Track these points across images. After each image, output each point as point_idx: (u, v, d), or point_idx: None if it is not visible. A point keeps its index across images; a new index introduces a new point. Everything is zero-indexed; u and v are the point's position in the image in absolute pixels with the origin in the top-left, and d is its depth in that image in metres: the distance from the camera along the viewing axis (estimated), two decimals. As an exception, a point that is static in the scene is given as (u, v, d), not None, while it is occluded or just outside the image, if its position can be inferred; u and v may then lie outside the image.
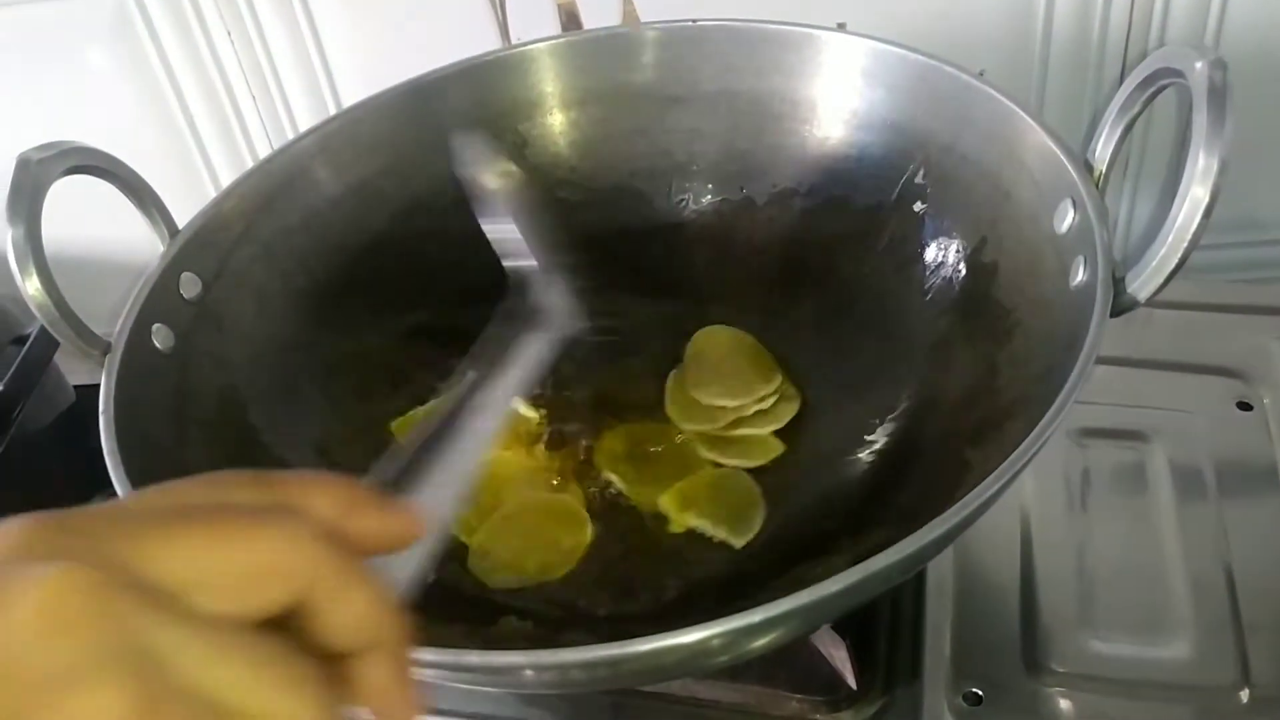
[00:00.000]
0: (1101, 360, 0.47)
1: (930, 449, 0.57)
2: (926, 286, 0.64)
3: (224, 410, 0.60)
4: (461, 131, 0.70)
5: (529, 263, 0.50)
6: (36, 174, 0.54)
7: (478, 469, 0.37)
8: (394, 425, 0.66)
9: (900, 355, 0.63)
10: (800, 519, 0.58)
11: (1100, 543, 0.61)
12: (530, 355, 0.45)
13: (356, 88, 0.84)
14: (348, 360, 0.67)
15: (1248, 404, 0.67)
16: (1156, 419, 0.67)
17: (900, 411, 0.61)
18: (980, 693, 0.56)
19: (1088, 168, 0.54)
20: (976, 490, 0.42)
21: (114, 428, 0.51)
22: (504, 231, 0.51)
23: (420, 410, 0.66)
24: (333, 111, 0.85)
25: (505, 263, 0.51)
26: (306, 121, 0.87)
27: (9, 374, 0.79)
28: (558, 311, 0.49)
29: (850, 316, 0.66)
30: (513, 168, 0.48)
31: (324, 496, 0.28)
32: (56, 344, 0.81)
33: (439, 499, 0.34)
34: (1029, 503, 0.64)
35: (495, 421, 0.40)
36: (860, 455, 0.61)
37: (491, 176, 0.49)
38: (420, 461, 0.35)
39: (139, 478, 0.50)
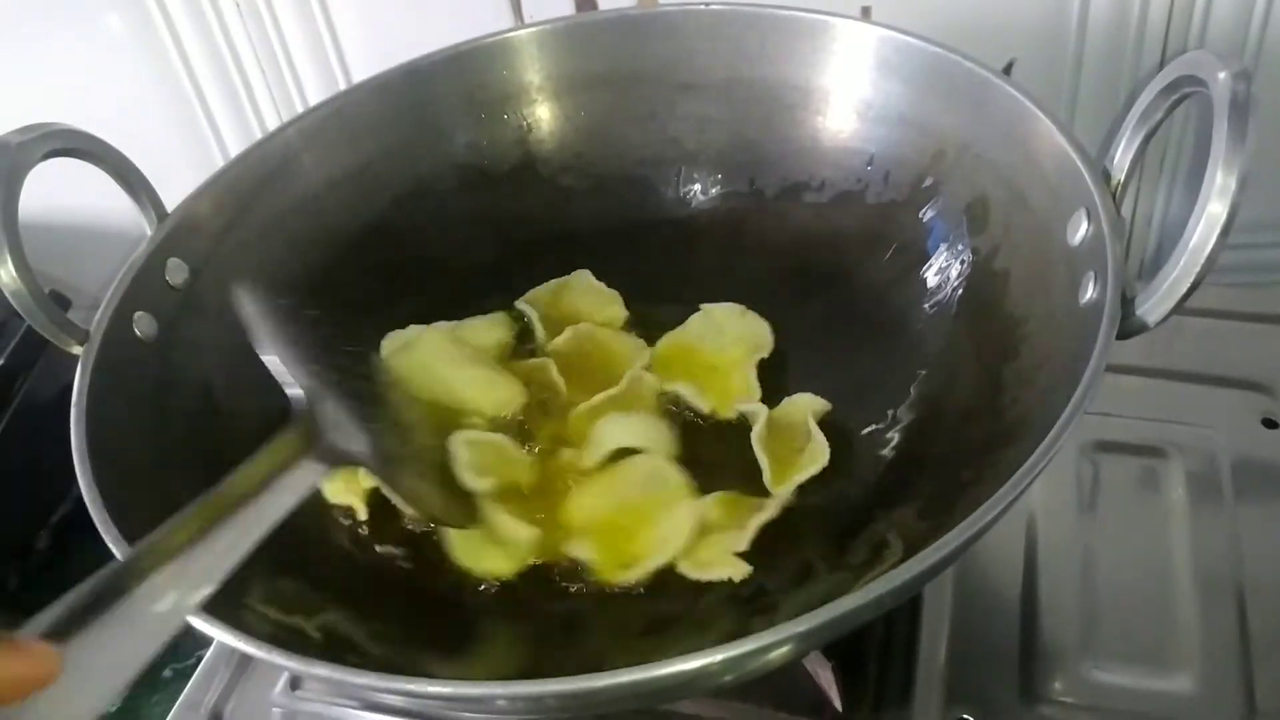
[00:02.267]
0: (1117, 369, 0.45)
1: (932, 465, 0.55)
2: (935, 291, 0.61)
3: (207, 401, 0.59)
4: (464, 114, 0.70)
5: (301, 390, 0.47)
6: (15, 158, 0.53)
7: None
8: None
9: (906, 363, 0.60)
10: (793, 535, 0.56)
11: (1108, 564, 0.59)
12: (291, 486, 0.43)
13: (367, 62, 0.82)
14: (340, 351, 0.65)
15: (1273, 421, 0.64)
16: (1175, 434, 0.65)
17: (904, 424, 0.58)
18: (972, 719, 0.54)
19: (1105, 176, 0.51)
20: (969, 520, 0.40)
21: (84, 424, 0.50)
22: (279, 362, 0.48)
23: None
24: (343, 86, 0.84)
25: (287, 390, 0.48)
26: (316, 95, 0.85)
27: (10, 348, 0.79)
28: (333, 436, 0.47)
29: (856, 320, 0.63)
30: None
31: None
32: (68, 303, 0.81)
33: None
34: (1037, 516, 0.61)
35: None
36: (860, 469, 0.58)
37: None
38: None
39: (112, 473, 0.49)
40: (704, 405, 0.61)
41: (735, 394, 0.61)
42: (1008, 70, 0.72)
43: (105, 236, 0.84)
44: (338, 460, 0.47)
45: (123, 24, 0.82)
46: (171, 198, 0.62)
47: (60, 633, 0.32)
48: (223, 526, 0.40)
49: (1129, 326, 0.46)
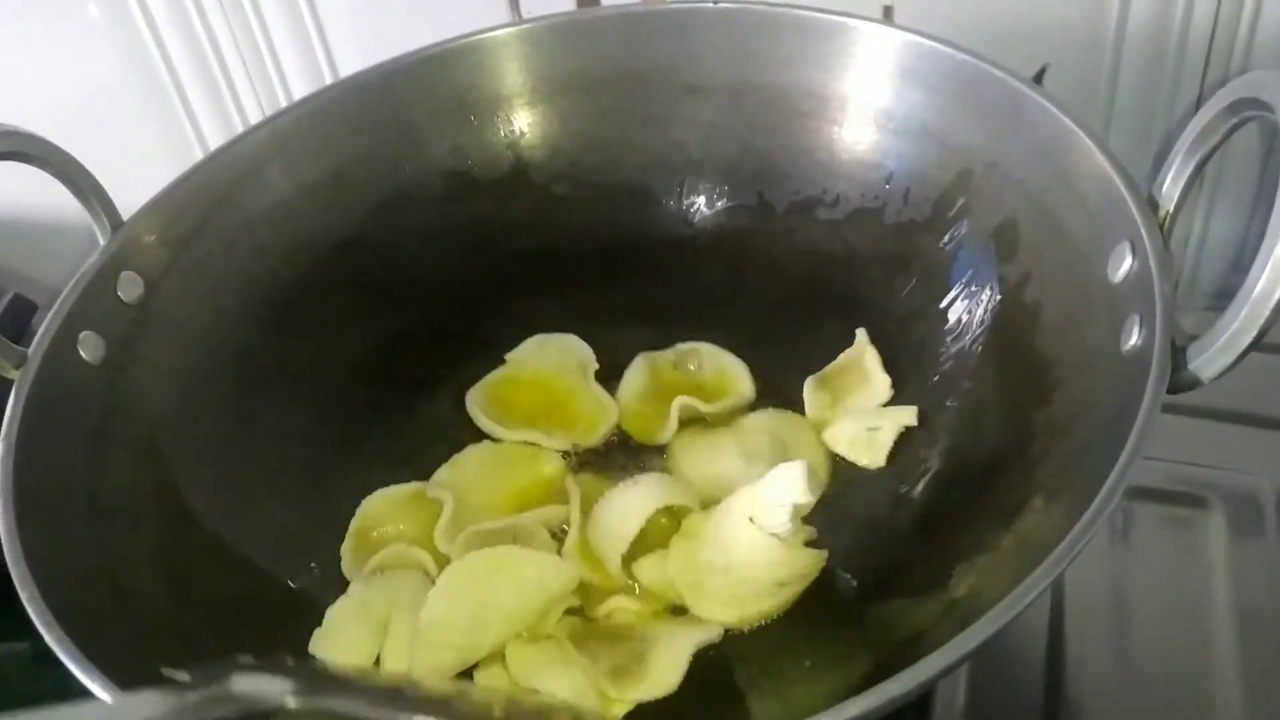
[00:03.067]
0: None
1: (950, 525, 0.50)
2: (960, 322, 0.56)
3: (158, 432, 0.54)
4: (451, 116, 0.64)
5: None
6: (-51, 164, 0.48)
7: None
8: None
9: (926, 403, 0.55)
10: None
11: (1142, 625, 0.54)
12: None
13: (353, 55, 0.77)
14: (316, 370, 0.61)
15: (1325, 467, 0.59)
16: (1215, 479, 0.59)
17: (921, 473, 0.53)
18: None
19: (1152, 206, 0.46)
20: (983, 621, 0.35)
21: (13, 459, 0.46)
22: None
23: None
24: (329, 80, 0.79)
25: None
26: (301, 89, 0.80)
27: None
28: None
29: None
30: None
31: None
32: (34, 308, 0.76)
33: None
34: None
35: None
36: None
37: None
38: None
39: (38, 520, 0.44)
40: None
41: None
42: (1039, 78, 0.67)
43: (79, 234, 0.79)
44: None
45: (100, 12, 0.77)
46: (147, 196, 0.58)
47: None
48: None
49: (1179, 381, 0.41)
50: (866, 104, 0.60)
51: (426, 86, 0.64)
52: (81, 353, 0.52)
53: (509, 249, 0.65)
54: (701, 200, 0.65)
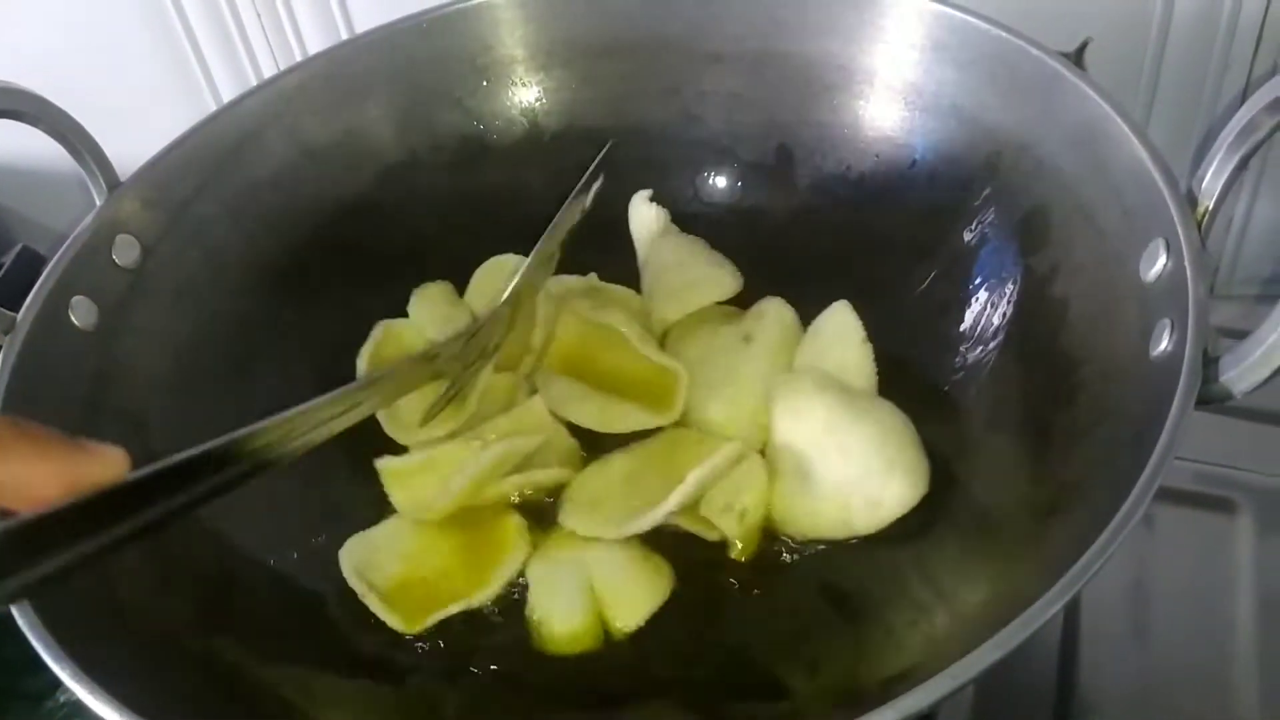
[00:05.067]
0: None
1: (961, 532, 0.47)
2: (982, 313, 0.53)
3: (152, 398, 0.52)
4: (464, 79, 0.62)
5: None
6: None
7: None
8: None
9: (945, 396, 0.53)
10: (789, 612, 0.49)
11: (1162, 638, 0.52)
12: None
13: (372, 8, 0.75)
14: (315, 341, 0.59)
15: (1359, 469, 0.57)
16: (1243, 481, 0.57)
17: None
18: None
19: (1190, 202, 0.43)
20: (989, 645, 0.33)
21: None
22: None
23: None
24: (344, 34, 0.76)
25: None
26: (316, 42, 0.77)
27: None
28: None
29: (890, 335, 0.56)
30: None
31: None
32: (43, 261, 0.75)
33: None
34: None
35: None
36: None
37: None
38: None
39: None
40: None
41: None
42: (1079, 55, 0.63)
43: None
44: None
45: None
46: (157, 148, 0.56)
47: None
48: None
49: (1210, 393, 0.39)
50: (895, 79, 0.57)
51: (438, 47, 0.62)
52: (73, 318, 0.51)
53: (520, 216, 0.63)
54: (718, 174, 0.63)
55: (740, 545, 0.49)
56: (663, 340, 0.58)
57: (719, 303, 0.58)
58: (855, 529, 0.48)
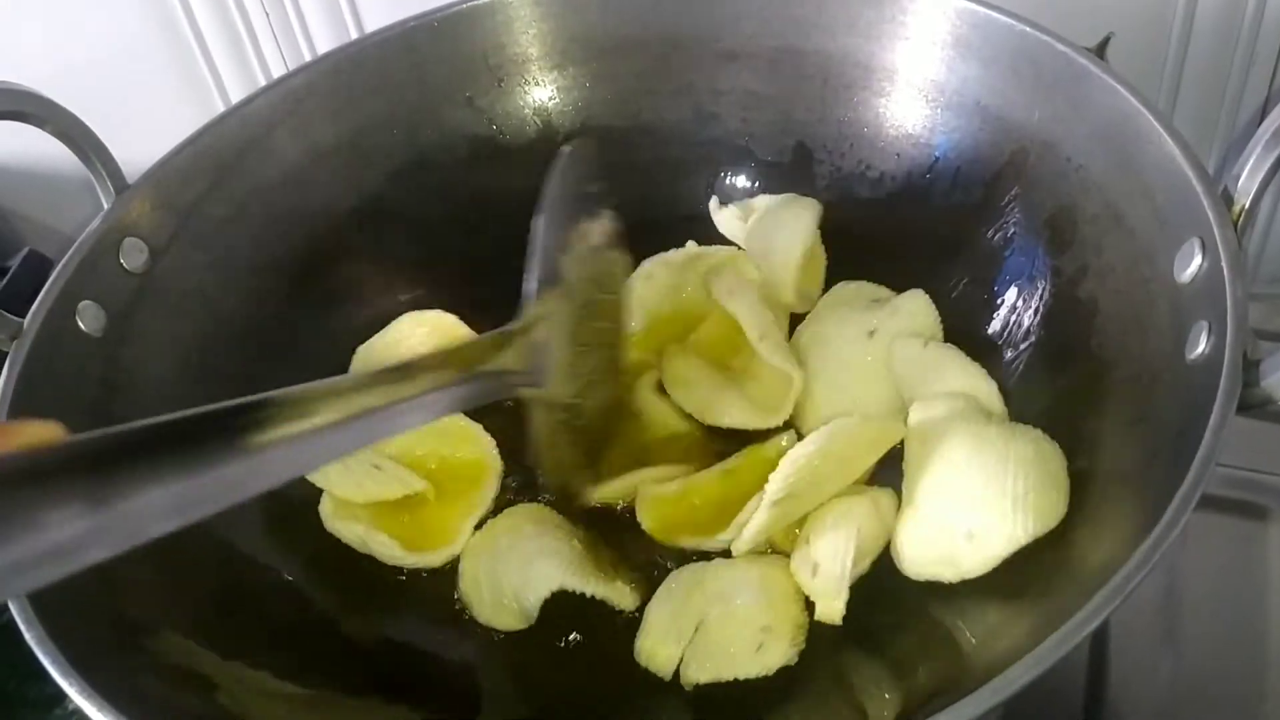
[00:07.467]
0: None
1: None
2: (1008, 314, 0.52)
3: (160, 404, 0.51)
4: (476, 77, 0.61)
5: None
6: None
7: None
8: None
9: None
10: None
11: (1192, 650, 0.51)
12: None
13: (379, 6, 0.74)
14: (325, 347, 0.58)
15: (1396, 477, 0.55)
16: (1277, 488, 0.55)
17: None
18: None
19: (1226, 200, 0.42)
20: (1023, 662, 0.32)
21: (2, 440, 0.43)
22: None
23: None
24: (354, 33, 0.75)
25: None
26: (325, 42, 0.77)
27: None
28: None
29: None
30: None
31: None
32: (49, 265, 0.74)
33: None
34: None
35: None
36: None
37: None
38: None
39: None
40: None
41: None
42: (1102, 50, 0.62)
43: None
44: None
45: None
46: (166, 149, 0.55)
47: None
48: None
49: (1250, 398, 0.38)
50: (916, 76, 0.56)
51: (450, 46, 0.61)
52: (80, 324, 0.50)
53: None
54: (736, 173, 0.62)
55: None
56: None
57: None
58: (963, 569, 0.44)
